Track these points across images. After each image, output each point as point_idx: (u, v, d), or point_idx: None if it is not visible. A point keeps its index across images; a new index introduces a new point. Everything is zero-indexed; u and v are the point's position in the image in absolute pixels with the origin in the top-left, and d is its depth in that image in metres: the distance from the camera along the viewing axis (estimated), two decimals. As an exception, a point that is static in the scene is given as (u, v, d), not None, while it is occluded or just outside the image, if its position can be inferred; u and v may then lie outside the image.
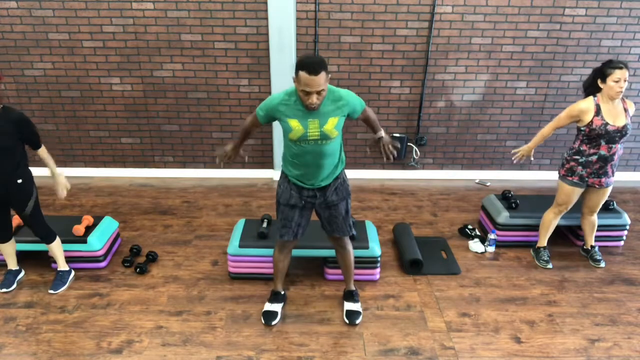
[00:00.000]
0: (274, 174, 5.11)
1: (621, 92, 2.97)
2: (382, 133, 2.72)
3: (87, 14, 4.41)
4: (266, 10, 4.37)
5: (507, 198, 3.85)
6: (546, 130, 3.28)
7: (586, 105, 3.07)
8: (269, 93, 4.71)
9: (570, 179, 3.24)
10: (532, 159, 3.47)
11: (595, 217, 3.43)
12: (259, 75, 4.67)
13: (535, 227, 3.59)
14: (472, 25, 4.51)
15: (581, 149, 3.18)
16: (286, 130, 2.42)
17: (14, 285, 3.13)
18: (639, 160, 5.16)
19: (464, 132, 5.00)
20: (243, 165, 5.13)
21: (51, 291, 3.08)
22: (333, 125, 2.39)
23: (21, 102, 4.79)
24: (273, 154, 5.01)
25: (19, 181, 2.85)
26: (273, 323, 2.82)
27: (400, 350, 2.65)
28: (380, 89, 4.77)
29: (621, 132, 3.05)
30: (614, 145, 3.10)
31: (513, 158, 3.45)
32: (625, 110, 3.08)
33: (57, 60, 4.61)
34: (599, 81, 3.04)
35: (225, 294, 3.12)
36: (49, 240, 3.08)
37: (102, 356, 2.57)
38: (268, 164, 5.12)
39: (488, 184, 5.07)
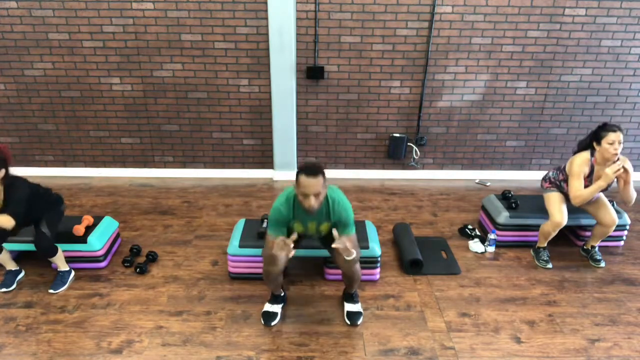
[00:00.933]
0: (274, 174, 5.11)
1: (616, 154, 3.05)
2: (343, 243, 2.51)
3: (87, 14, 4.42)
4: (266, 10, 4.37)
5: (507, 198, 3.85)
6: (588, 192, 3.13)
7: (587, 157, 3.19)
8: (269, 93, 4.72)
9: (554, 188, 3.45)
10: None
11: (611, 229, 3.39)
12: (259, 75, 4.67)
13: (535, 227, 3.59)
14: (472, 25, 4.51)
15: (562, 184, 3.38)
16: (288, 227, 2.72)
17: (14, 285, 3.13)
18: (638, 160, 5.16)
19: (464, 132, 5.00)
20: (243, 165, 5.13)
21: (51, 291, 3.08)
22: (327, 227, 2.73)
23: (21, 102, 4.79)
24: (273, 154, 5.01)
25: (44, 231, 3.04)
26: (272, 324, 2.82)
27: (400, 350, 2.65)
28: (380, 89, 4.77)
29: (602, 190, 3.18)
30: None
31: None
32: None
33: (57, 60, 4.61)
34: (594, 144, 3.13)
35: (225, 294, 3.12)
36: (51, 254, 3.08)
37: (102, 356, 2.57)
38: (268, 164, 5.12)
39: (488, 184, 5.07)
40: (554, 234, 3.41)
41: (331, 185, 2.70)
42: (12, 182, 2.83)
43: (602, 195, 3.40)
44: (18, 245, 3.25)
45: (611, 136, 3.01)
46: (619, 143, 3.02)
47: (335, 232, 2.53)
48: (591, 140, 3.17)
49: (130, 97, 4.78)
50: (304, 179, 2.41)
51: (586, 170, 3.19)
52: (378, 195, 4.74)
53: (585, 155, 3.20)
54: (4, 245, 3.14)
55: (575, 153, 3.29)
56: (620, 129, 3.03)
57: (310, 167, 2.43)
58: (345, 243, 2.47)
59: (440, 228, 4.06)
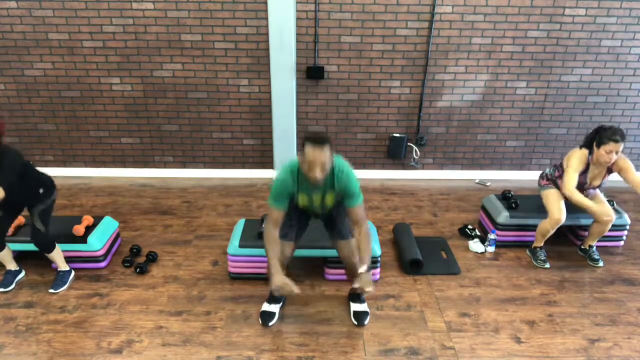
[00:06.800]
0: (274, 174, 5.10)
1: (609, 162, 3.11)
2: (364, 269, 2.48)
3: (87, 14, 4.42)
4: (266, 10, 4.37)
5: (507, 198, 3.85)
6: (578, 196, 3.17)
7: (585, 154, 3.22)
8: (269, 93, 4.71)
9: (551, 185, 3.49)
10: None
11: (608, 227, 3.37)
12: (259, 75, 4.67)
13: (535, 227, 3.59)
14: (472, 25, 4.51)
15: (557, 182, 3.42)
16: (293, 200, 2.63)
17: (13, 285, 3.13)
18: (639, 160, 5.16)
19: (464, 132, 5.00)
20: (243, 165, 5.13)
21: (51, 291, 3.08)
22: (332, 199, 2.60)
23: (21, 102, 4.79)
24: (273, 154, 5.01)
25: (41, 191, 2.98)
26: (270, 324, 2.82)
27: (400, 350, 2.65)
28: (380, 89, 4.77)
29: (594, 188, 3.31)
30: (585, 191, 3.34)
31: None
32: (609, 171, 3.24)
33: (57, 60, 4.61)
34: (594, 144, 3.15)
35: (225, 294, 3.12)
36: (48, 250, 3.08)
37: (102, 356, 2.57)
38: (268, 164, 5.12)
39: (488, 184, 5.07)
40: (552, 232, 3.41)
41: (336, 155, 2.54)
42: (4, 151, 2.73)
43: (598, 191, 3.43)
44: (18, 245, 3.25)
45: (611, 146, 3.04)
46: (617, 153, 3.06)
47: (356, 284, 2.42)
48: (592, 140, 3.18)
49: (130, 97, 4.78)
50: (310, 149, 2.25)
51: (582, 167, 3.22)
52: (378, 195, 4.74)
53: (583, 152, 3.23)
54: (8, 244, 3.14)
55: (581, 147, 3.29)
56: (623, 139, 3.03)
57: (317, 137, 2.28)
58: (367, 284, 2.41)
59: (440, 228, 4.06)
